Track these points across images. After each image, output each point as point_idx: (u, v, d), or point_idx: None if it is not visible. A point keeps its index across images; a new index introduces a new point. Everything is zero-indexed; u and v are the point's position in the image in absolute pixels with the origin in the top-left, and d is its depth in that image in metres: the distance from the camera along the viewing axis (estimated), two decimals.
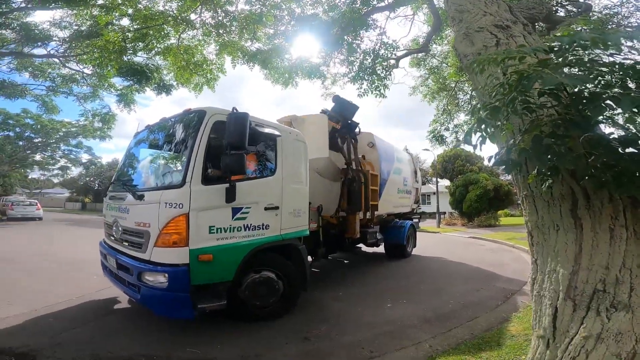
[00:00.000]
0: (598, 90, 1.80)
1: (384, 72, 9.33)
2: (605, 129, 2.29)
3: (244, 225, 4.01)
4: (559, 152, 1.87)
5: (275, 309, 4.34)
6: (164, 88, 11.84)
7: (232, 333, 3.92)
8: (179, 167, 3.98)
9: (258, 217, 4.18)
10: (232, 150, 3.63)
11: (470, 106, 10.91)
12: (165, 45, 9.92)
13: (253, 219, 4.11)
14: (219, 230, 3.79)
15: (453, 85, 11.77)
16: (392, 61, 9.96)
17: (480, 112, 2.09)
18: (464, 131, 11.75)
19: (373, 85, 9.18)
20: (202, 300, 3.64)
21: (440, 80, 11.97)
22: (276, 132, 4.59)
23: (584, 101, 1.87)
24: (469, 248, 12.14)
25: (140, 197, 3.88)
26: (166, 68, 11.45)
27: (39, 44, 12.09)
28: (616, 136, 1.96)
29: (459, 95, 12.23)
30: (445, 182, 37.95)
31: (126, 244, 4.13)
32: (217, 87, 11.13)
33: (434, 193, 30.24)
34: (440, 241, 14.50)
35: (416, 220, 10.84)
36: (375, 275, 7.32)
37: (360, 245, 8.58)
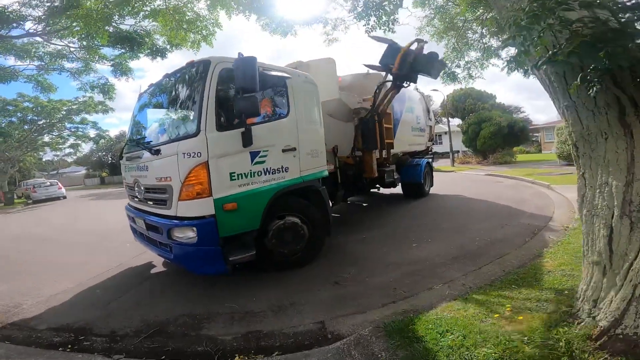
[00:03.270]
0: None
1: (391, 7, 8.66)
2: None
3: (263, 169, 3.99)
4: (613, 52, 1.64)
5: (302, 255, 4.40)
6: (157, 52, 11.40)
7: (264, 285, 4.01)
8: (191, 117, 3.86)
9: (277, 160, 4.15)
10: (244, 94, 3.51)
11: (481, 44, 10.56)
12: (152, 7, 9.30)
13: (272, 162, 4.09)
14: (240, 176, 3.77)
15: (461, 25, 10.99)
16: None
17: (521, 18, 1.84)
18: (476, 67, 11.24)
19: (381, 21, 8.59)
20: (233, 253, 3.69)
21: (447, 19, 11.14)
22: (285, 74, 4.46)
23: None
24: (487, 185, 11.93)
25: (157, 152, 3.84)
26: (157, 32, 10.90)
27: (14, 25, 11.43)
28: None
29: (468, 34, 11.46)
30: (456, 121, 36.99)
31: (151, 202, 4.14)
32: (216, 43, 10.61)
33: (446, 133, 29.65)
34: (456, 179, 14.38)
35: (430, 158, 10.72)
36: (396, 216, 7.34)
37: (376, 189, 8.55)
